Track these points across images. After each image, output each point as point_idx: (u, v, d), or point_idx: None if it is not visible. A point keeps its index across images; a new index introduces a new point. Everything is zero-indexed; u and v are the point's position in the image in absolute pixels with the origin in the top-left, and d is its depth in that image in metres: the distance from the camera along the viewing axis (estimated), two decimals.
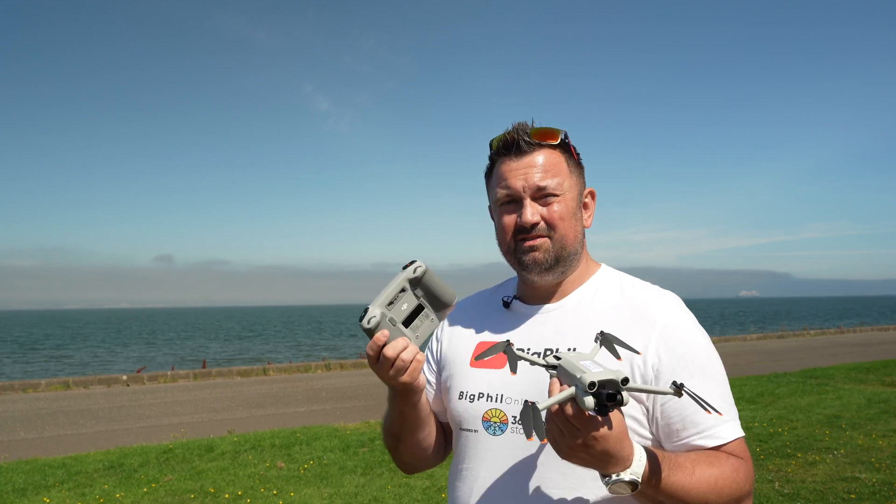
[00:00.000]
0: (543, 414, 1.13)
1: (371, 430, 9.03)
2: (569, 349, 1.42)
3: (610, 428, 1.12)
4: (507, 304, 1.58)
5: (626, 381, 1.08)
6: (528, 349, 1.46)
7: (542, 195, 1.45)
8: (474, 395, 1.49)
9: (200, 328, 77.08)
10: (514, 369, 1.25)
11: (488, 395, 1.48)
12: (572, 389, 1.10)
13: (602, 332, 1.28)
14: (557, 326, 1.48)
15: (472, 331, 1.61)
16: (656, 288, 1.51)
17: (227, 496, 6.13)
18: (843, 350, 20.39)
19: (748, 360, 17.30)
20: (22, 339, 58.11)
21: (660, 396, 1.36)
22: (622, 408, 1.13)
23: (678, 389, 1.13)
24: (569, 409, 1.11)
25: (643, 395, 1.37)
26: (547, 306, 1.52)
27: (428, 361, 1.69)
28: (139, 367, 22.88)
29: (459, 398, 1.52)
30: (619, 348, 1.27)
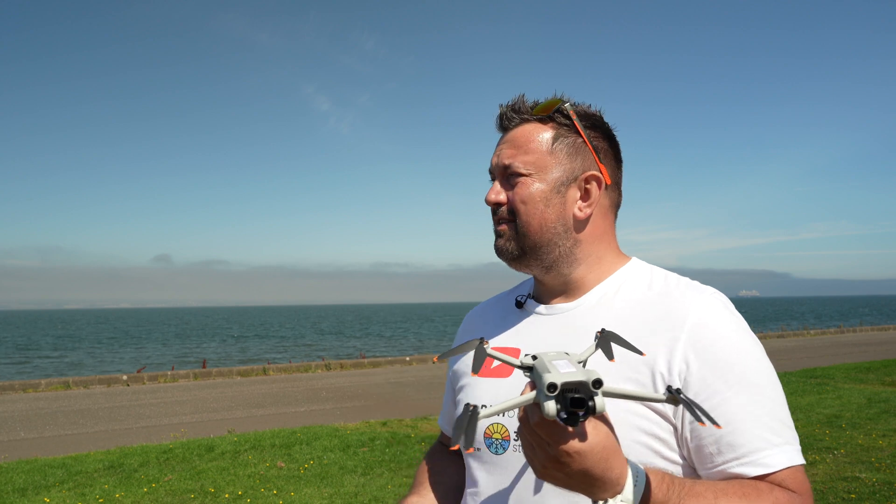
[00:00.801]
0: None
1: (371, 429, 9.03)
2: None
3: (583, 440, 0.90)
4: (520, 304, 1.39)
5: (598, 383, 0.86)
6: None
7: (508, 174, 1.28)
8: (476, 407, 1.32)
9: (200, 328, 77.07)
10: (475, 370, 1.03)
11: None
12: (533, 393, 0.90)
13: (602, 329, 1.06)
14: (573, 326, 1.27)
15: (482, 337, 1.42)
16: (695, 283, 1.26)
17: (227, 496, 6.13)
18: (843, 350, 20.38)
19: None
20: (21, 339, 58.10)
21: (688, 412, 1.12)
22: (611, 418, 0.95)
23: (673, 396, 0.92)
24: (531, 416, 0.91)
25: (669, 411, 1.12)
26: (562, 305, 1.32)
27: (448, 376, 1.52)
28: (139, 367, 22.88)
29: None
30: (617, 348, 1.04)
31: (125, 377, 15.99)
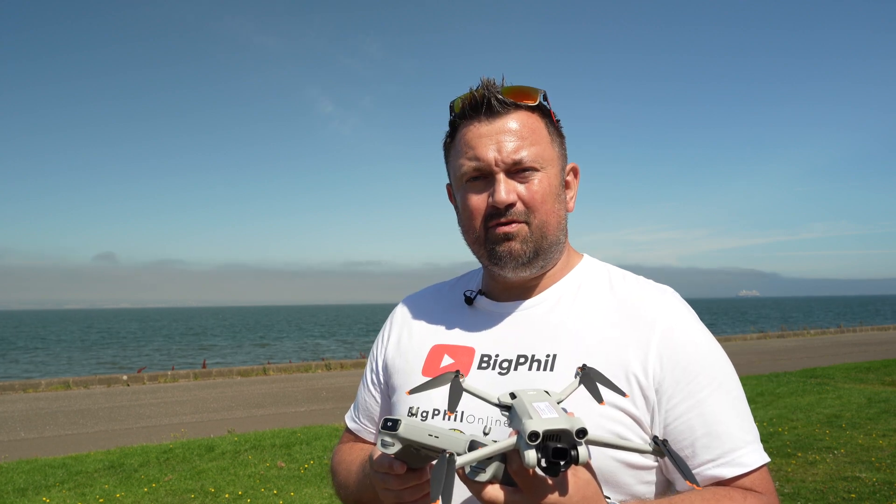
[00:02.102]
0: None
1: None
2: (547, 356, 1.15)
3: (563, 494, 0.86)
4: (469, 301, 1.29)
5: (582, 432, 0.82)
6: (497, 356, 1.19)
7: (518, 169, 1.15)
8: (427, 412, 1.17)
9: (201, 328, 77.09)
10: (452, 408, 0.99)
11: (446, 413, 1.15)
12: (514, 439, 0.85)
13: (584, 366, 1.02)
14: (534, 328, 1.20)
15: (426, 332, 1.30)
16: (651, 282, 1.24)
17: (227, 496, 6.13)
18: (843, 350, 20.37)
19: (748, 360, 17.28)
20: (19, 338, 58.12)
21: (663, 413, 1.10)
22: (591, 465, 0.90)
23: (658, 447, 0.91)
24: (510, 463, 0.86)
25: (641, 410, 1.10)
26: (520, 304, 1.23)
27: (369, 371, 1.39)
28: (139, 367, 22.88)
29: (409, 415, 1.19)
30: (603, 389, 0.99)
31: (125, 377, 15.99)
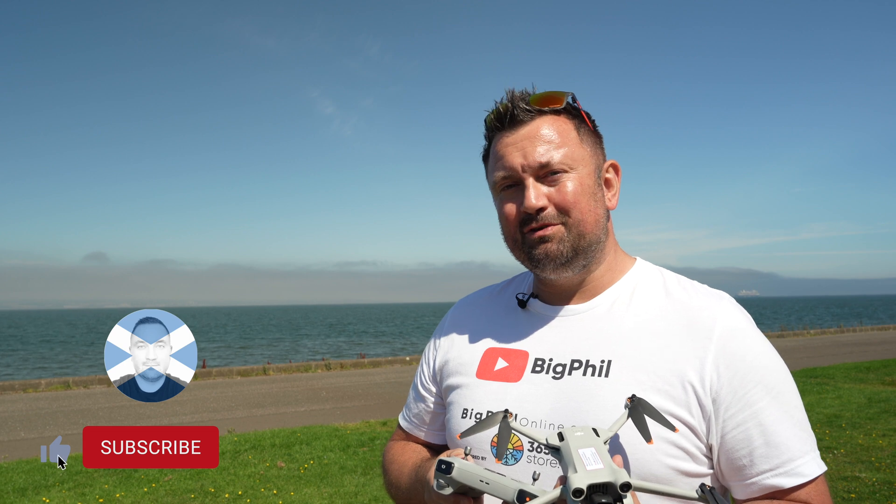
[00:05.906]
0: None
1: (371, 429, 9.03)
2: (602, 361, 1.14)
3: None
4: (522, 304, 1.29)
5: (626, 486, 0.83)
6: (551, 360, 1.19)
7: (547, 172, 1.16)
8: (482, 414, 1.20)
9: (201, 328, 77.09)
10: (500, 455, 1.03)
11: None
12: (558, 491, 0.87)
13: (633, 396, 1.02)
14: (588, 332, 1.19)
15: (479, 334, 1.31)
16: (706, 288, 1.21)
17: (227, 496, 6.13)
18: (843, 350, 20.39)
19: None
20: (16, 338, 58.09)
21: (721, 423, 1.08)
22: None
23: (705, 495, 0.90)
24: None
25: (696, 419, 1.09)
26: (573, 307, 1.23)
27: (422, 372, 1.41)
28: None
29: (463, 416, 1.23)
30: (652, 423, 1.00)
31: None
